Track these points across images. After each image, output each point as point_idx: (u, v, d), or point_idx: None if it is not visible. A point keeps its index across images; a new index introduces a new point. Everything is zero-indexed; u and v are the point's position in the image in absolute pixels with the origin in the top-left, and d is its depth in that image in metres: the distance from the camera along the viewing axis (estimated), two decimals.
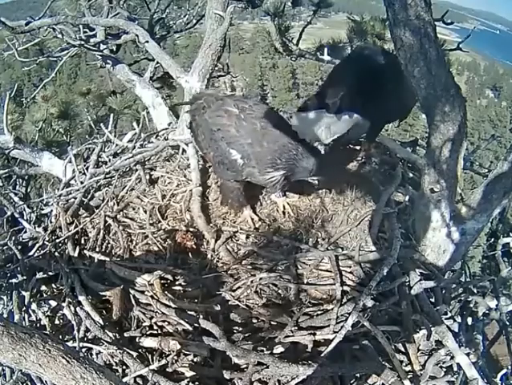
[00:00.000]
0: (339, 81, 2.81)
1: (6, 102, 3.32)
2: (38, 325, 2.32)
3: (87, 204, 2.89)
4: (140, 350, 2.08)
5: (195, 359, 2.05)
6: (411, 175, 3.11)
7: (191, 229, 2.59)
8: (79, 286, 2.30)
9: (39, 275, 2.42)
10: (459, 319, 2.43)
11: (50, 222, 2.86)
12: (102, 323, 2.15)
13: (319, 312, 2.16)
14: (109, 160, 3.24)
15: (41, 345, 1.19)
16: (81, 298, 2.24)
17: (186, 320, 2.08)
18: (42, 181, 4.70)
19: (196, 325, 2.07)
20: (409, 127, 31.12)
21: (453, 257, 2.48)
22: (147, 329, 2.17)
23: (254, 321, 2.16)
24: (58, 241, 2.59)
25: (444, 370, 2.21)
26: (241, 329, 2.13)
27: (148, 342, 2.10)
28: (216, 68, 3.36)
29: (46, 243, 2.59)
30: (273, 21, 4.52)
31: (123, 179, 3.07)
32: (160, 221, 2.68)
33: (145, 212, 2.74)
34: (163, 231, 2.61)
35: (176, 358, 2.02)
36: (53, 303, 2.37)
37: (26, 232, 2.81)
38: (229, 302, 2.21)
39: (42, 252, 2.54)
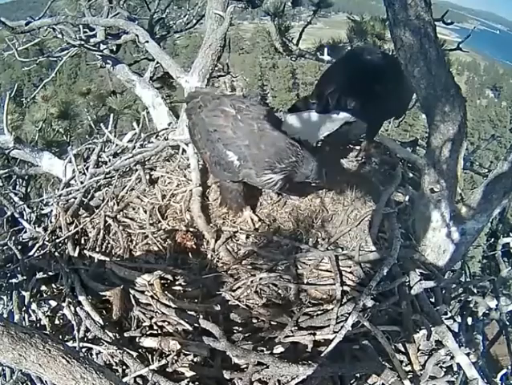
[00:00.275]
0: (328, 81, 2.84)
1: (6, 102, 3.32)
2: (38, 325, 2.32)
3: (87, 204, 2.89)
4: (140, 350, 2.08)
5: (195, 359, 2.05)
6: (411, 175, 3.11)
7: (191, 229, 2.59)
8: (79, 286, 2.30)
9: (39, 275, 2.42)
10: (459, 319, 2.42)
11: (50, 222, 2.86)
12: (102, 323, 2.15)
13: (319, 312, 2.16)
14: (109, 160, 3.24)
15: (41, 345, 1.19)
16: (81, 298, 2.24)
17: (186, 320, 2.08)
18: (42, 181, 4.70)
19: (196, 325, 2.07)
20: (409, 127, 31.12)
21: (453, 257, 2.48)
22: (147, 329, 2.16)
23: (254, 321, 2.16)
24: (58, 241, 2.59)
25: (444, 370, 2.21)
26: (241, 329, 2.13)
27: (148, 342, 2.10)
28: (216, 68, 3.36)
29: (46, 243, 2.58)
30: (273, 21, 4.53)
31: (123, 179, 3.07)
32: (160, 221, 2.68)
33: (145, 212, 2.74)
34: (163, 231, 2.61)
35: (176, 358, 2.02)
36: (53, 303, 2.36)
37: (26, 232, 2.81)
38: (229, 302, 2.21)
39: (42, 252, 2.53)
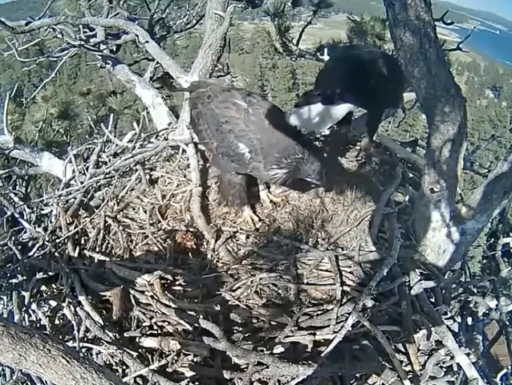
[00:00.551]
0: (329, 75, 2.94)
1: (6, 102, 3.32)
2: (38, 325, 2.32)
3: (87, 204, 2.89)
4: (140, 350, 2.08)
5: (195, 359, 2.05)
6: (411, 175, 3.11)
7: (191, 229, 2.59)
8: (79, 286, 2.30)
9: (39, 275, 2.42)
10: (459, 319, 2.43)
11: (50, 222, 2.86)
12: (102, 323, 2.15)
13: (319, 312, 2.16)
14: (109, 160, 3.24)
15: (41, 345, 1.19)
16: (81, 298, 2.24)
17: (186, 320, 2.08)
18: (42, 181, 4.70)
19: (196, 325, 2.07)
20: (409, 127, 31.13)
21: (453, 257, 2.48)
22: (147, 329, 2.17)
23: (254, 321, 2.16)
24: (58, 241, 2.59)
25: (444, 370, 2.21)
26: (241, 329, 2.13)
27: (148, 342, 2.10)
28: (216, 68, 3.36)
29: (46, 243, 2.59)
30: (273, 21, 4.53)
31: (123, 179, 3.07)
32: (160, 221, 2.68)
33: (145, 212, 2.74)
34: (163, 231, 2.62)
35: (176, 358, 2.02)
36: (53, 303, 2.37)
37: (26, 232, 2.81)
38: (229, 302, 2.21)
39: (42, 252, 2.54)
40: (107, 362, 2.08)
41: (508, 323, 2.62)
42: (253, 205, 2.78)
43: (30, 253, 2.54)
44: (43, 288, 2.44)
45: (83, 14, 4.12)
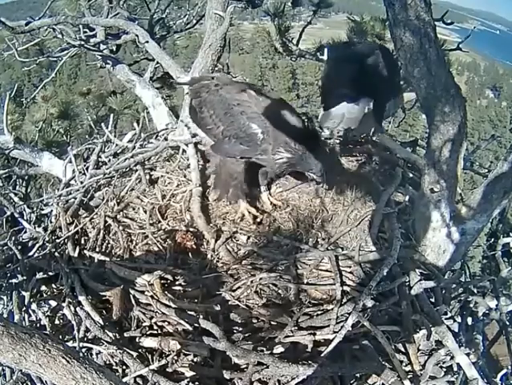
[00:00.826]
0: (340, 75, 3.04)
1: (6, 102, 3.32)
2: (38, 325, 2.33)
3: (87, 204, 2.89)
4: (140, 350, 2.08)
5: (195, 359, 2.05)
6: (411, 175, 3.11)
7: (191, 229, 2.59)
8: (79, 286, 2.30)
9: (39, 275, 2.42)
10: (459, 319, 2.43)
11: (50, 222, 2.86)
12: (102, 323, 2.15)
13: (319, 312, 2.16)
14: (109, 160, 3.23)
15: (41, 345, 1.19)
16: (81, 298, 2.24)
17: (186, 320, 2.08)
18: (42, 181, 4.70)
19: (196, 325, 2.07)
20: (409, 127, 31.11)
21: (453, 257, 2.48)
22: (147, 329, 2.17)
23: (254, 321, 2.16)
24: (58, 241, 2.59)
25: (444, 370, 2.21)
26: (241, 329, 2.13)
27: (148, 342, 2.10)
28: (216, 68, 3.36)
29: (46, 243, 2.59)
30: (273, 21, 4.53)
31: (123, 179, 3.07)
32: (160, 221, 2.68)
33: (145, 212, 2.74)
34: (163, 231, 2.61)
35: (176, 358, 2.02)
36: (53, 303, 2.37)
37: (26, 232, 2.81)
38: (229, 302, 2.21)
39: (42, 252, 2.53)
40: (107, 362, 2.08)
41: (508, 323, 2.62)
42: (251, 202, 2.77)
43: (30, 253, 2.53)
44: (43, 288, 2.44)
45: (83, 14, 4.12)
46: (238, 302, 2.20)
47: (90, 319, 2.15)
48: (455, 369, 2.22)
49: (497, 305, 2.50)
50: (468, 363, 2.09)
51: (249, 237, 2.58)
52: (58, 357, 1.20)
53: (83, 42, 3.78)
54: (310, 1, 4.63)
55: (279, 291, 2.27)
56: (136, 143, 3.29)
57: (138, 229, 2.64)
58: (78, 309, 2.21)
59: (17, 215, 2.93)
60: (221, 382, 2.00)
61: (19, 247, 2.61)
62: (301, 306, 2.18)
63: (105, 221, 2.67)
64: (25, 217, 2.98)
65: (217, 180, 2.79)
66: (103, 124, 3.61)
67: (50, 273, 2.45)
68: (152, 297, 2.18)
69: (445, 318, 2.31)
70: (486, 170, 3.73)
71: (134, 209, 2.82)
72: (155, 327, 2.18)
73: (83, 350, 2.13)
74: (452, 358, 2.17)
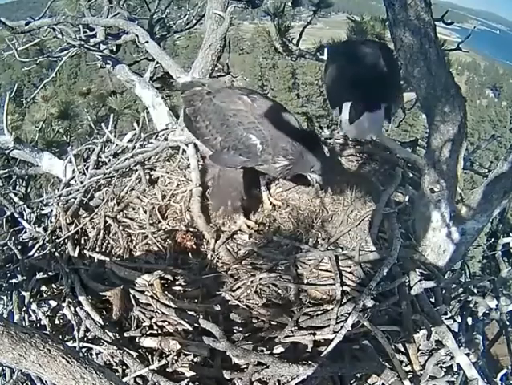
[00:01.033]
0: (354, 83, 2.85)
1: (6, 102, 3.33)
2: (38, 325, 2.32)
3: (87, 204, 2.89)
4: (140, 350, 2.08)
5: (195, 359, 2.05)
6: (411, 175, 3.10)
7: (191, 229, 2.59)
8: (79, 286, 2.30)
9: (39, 275, 2.42)
10: (459, 319, 2.42)
11: (50, 222, 2.86)
12: (102, 323, 2.15)
13: (319, 312, 2.16)
14: (109, 160, 3.23)
15: (41, 345, 1.19)
16: (81, 298, 2.24)
17: (186, 320, 2.08)
18: (42, 181, 4.70)
19: (196, 325, 2.07)
20: (409, 127, 31.10)
21: (453, 257, 2.48)
22: (147, 329, 2.17)
23: (254, 321, 2.16)
24: (58, 241, 2.59)
25: (444, 370, 2.21)
26: (241, 329, 2.13)
27: (148, 342, 2.10)
28: (216, 68, 3.37)
29: (46, 243, 2.59)
30: (273, 21, 4.53)
31: (123, 179, 3.07)
32: (160, 221, 2.68)
33: (145, 212, 2.74)
34: (163, 231, 2.61)
35: (176, 358, 2.02)
36: (53, 303, 2.37)
37: (26, 232, 2.81)
38: (229, 302, 2.21)
39: (42, 252, 2.53)
40: (107, 362, 2.08)
41: (508, 323, 2.62)
42: (248, 211, 2.75)
43: (30, 253, 2.53)
44: (43, 288, 2.44)
45: (83, 14, 4.12)
46: (238, 302, 2.20)
47: (90, 319, 2.15)
48: (455, 369, 2.22)
49: (497, 305, 2.50)
50: (468, 363, 2.09)
51: (250, 236, 2.57)
52: (58, 357, 1.20)
53: (83, 42, 3.78)
54: (310, 1, 4.63)
55: (279, 291, 2.27)
56: (136, 143, 3.29)
57: (138, 229, 2.64)
58: (78, 309, 2.21)
59: (17, 215, 2.93)
60: (221, 382, 2.00)
61: (19, 247, 2.61)
62: (301, 306, 2.18)
63: (105, 221, 2.67)
64: (25, 217, 2.97)
65: (216, 190, 2.73)
66: (103, 124, 3.61)
67: (50, 273, 2.45)
68: (152, 297, 2.18)
69: (445, 318, 2.31)
70: (486, 170, 3.73)
71: (134, 209, 2.82)
72: (155, 327, 2.18)
73: (83, 350, 2.13)
74: (452, 358, 2.16)
